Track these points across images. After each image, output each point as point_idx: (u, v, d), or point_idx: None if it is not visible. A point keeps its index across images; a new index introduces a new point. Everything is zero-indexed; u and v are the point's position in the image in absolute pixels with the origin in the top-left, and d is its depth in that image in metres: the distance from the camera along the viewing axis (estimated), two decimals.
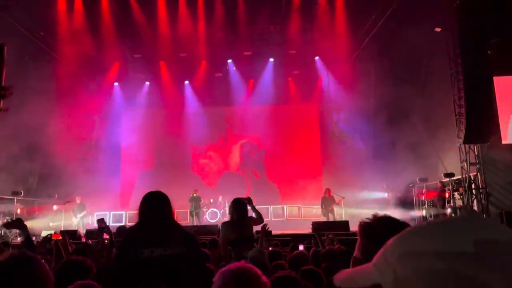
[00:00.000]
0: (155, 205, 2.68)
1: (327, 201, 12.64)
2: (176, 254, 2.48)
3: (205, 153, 16.05)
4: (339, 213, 12.86)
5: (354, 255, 1.15)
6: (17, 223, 3.09)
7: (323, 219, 12.37)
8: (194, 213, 13.24)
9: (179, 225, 2.75)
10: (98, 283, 1.85)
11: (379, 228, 1.11)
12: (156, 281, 1.81)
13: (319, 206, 12.92)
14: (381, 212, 1.20)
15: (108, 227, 4.06)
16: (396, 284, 0.64)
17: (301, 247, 5.17)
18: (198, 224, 12.52)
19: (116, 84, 15.49)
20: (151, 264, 2.40)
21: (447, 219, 0.67)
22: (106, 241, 4.18)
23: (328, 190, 12.83)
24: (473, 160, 10.65)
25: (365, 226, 1.16)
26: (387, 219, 1.15)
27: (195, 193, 13.51)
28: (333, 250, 3.85)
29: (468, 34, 10.03)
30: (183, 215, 12.89)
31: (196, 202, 13.42)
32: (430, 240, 0.61)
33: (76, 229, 11.45)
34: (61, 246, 3.70)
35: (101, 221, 4.29)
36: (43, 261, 1.35)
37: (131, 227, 2.74)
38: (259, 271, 1.48)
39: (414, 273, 0.60)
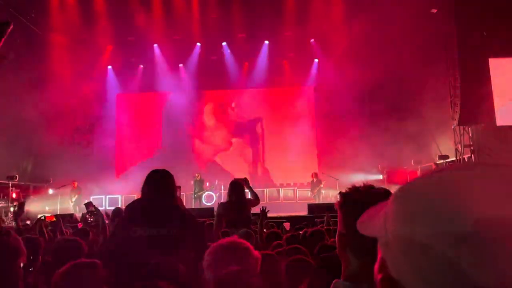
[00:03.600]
0: (157, 184, 2.61)
1: (313, 184, 13.25)
2: (171, 235, 2.43)
3: (200, 136, 16.00)
4: (334, 195, 12.98)
5: (339, 229, 1.05)
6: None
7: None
8: (196, 196, 13.34)
9: (179, 205, 2.70)
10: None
11: (360, 197, 0.96)
12: (147, 261, 1.81)
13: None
14: None
15: (98, 209, 4.01)
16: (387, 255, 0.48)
17: (286, 226, 5.27)
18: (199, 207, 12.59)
19: (109, 67, 15.30)
20: (143, 243, 2.39)
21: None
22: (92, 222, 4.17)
23: (314, 174, 13.38)
24: (467, 142, 10.70)
25: (344, 195, 1.01)
26: (368, 187, 1.01)
27: (198, 177, 13.54)
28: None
29: (465, 16, 9.96)
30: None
31: (199, 185, 13.48)
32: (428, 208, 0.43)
33: (72, 212, 11.47)
34: (55, 228, 3.71)
35: (88, 205, 4.26)
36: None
37: (129, 204, 2.70)
38: (250, 245, 1.47)
39: (403, 253, 0.44)
